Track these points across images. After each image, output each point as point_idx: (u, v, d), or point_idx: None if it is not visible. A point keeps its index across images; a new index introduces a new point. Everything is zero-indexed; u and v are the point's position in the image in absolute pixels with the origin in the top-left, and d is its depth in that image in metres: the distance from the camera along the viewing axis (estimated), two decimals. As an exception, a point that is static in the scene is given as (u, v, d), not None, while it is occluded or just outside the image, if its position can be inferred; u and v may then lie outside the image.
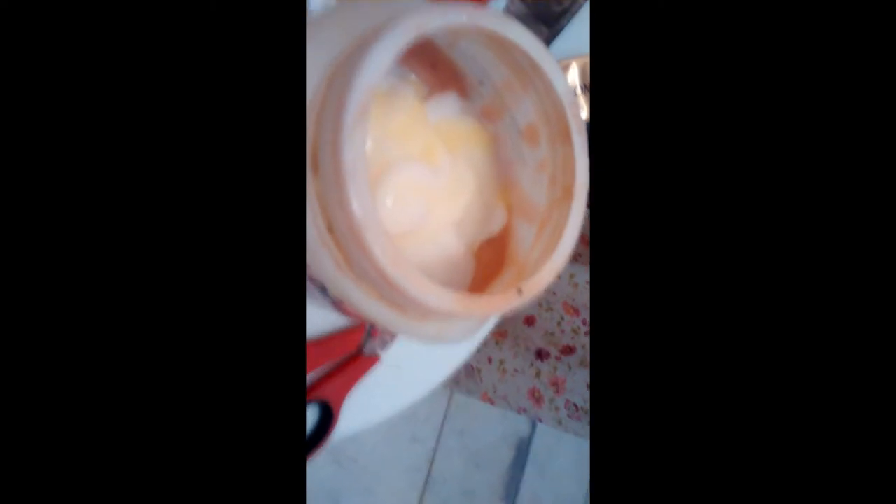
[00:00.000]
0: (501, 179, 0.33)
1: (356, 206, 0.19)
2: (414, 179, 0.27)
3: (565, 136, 0.27)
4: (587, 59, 0.50)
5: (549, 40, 0.48)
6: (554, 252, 0.26)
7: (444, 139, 0.30)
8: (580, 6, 0.47)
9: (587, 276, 0.80)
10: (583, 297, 0.80)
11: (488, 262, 0.34)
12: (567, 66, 0.49)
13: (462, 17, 0.22)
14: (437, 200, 0.29)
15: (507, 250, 0.34)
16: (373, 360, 0.40)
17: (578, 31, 0.48)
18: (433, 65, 0.31)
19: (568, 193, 0.27)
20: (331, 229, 0.22)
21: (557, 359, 0.81)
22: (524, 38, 0.24)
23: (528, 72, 0.26)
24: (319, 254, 0.23)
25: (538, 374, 0.81)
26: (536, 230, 0.29)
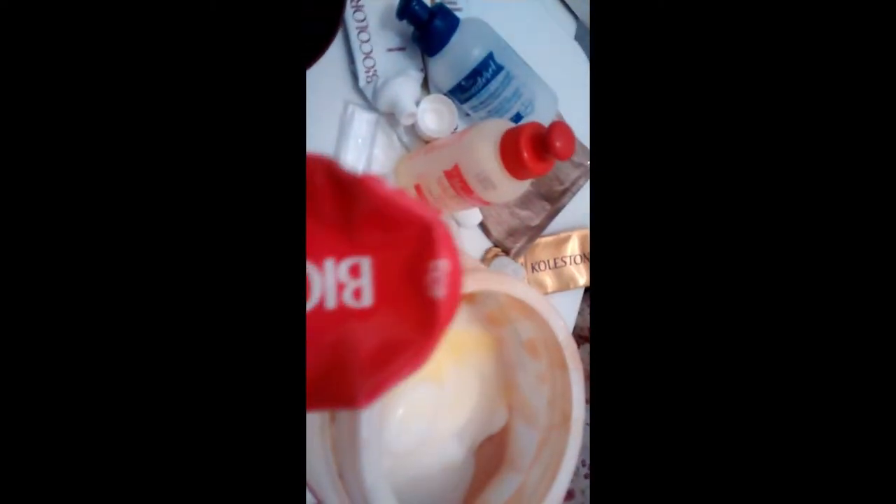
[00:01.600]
0: (503, 380, 0.35)
1: (369, 479, 0.21)
2: (421, 400, 0.29)
3: (563, 368, 0.29)
4: (587, 232, 0.54)
5: (551, 216, 0.52)
6: (553, 484, 0.27)
7: (452, 349, 0.32)
8: (580, 186, 0.52)
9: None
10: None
11: (488, 458, 0.35)
12: (568, 238, 0.53)
13: (470, 285, 0.25)
14: (442, 413, 0.31)
15: (506, 448, 0.35)
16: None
17: (578, 207, 0.52)
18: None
19: (566, 421, 0.29)
20: (341, 476, 0.24)
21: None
22: (527, 293, 0.27)
23: (529, 309, 0.29)
24: (329, 491, 0.24)
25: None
26: (536, 447, 0.31)
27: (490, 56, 0.42)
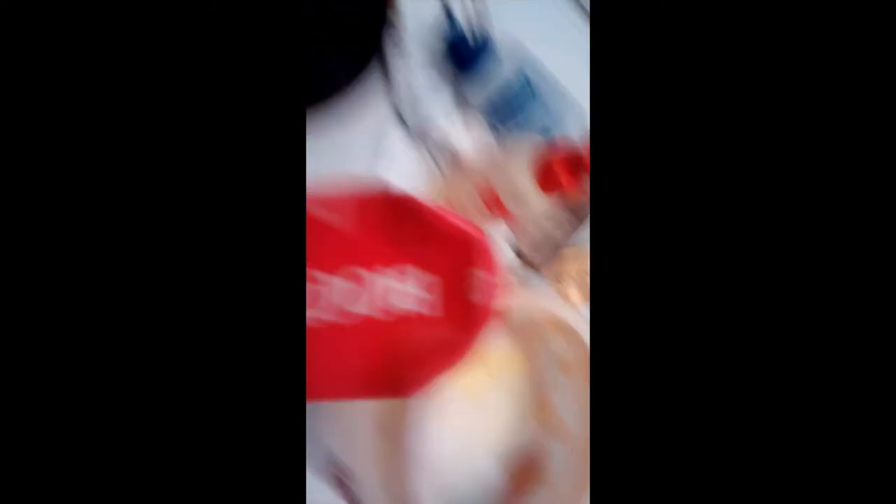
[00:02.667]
0: (537, 398, 0.35)
1: (416, 491, 0.22)
2: (459, 416, 0.30)
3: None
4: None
5: (577, 228, 0.52)
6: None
7: (487, 367, 0.33)
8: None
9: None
10: None
11: (521, 475, 0.35)
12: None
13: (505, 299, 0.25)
14: (477, 429, 0.31)
15: (538, 465, 0.35)
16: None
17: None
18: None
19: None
20: (390, 486, 0.24)
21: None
22: (563, 310, 0.27)
23: (564, 326, 0.29)
24: (374, 502, 0.25)
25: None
26: (568, 464, 0.31)
27: (520, 73, 0.43)
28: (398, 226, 0.17)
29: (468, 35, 0.42)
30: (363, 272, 0.17)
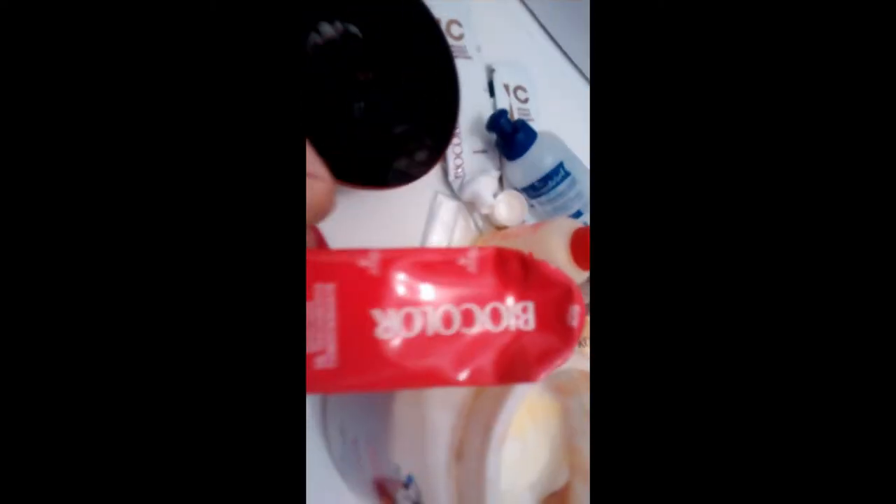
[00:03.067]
0: (568, 443, 0.41)
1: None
2: (510, 454, 0.35)
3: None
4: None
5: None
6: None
7: (531, 412, 0.38)
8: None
9: None
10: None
11: (551, 512, 0.40)
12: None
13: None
14: (521, 467, 0.37)
15: (566, 503, 0.40)
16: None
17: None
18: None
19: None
20: (460, 509, 0.30)
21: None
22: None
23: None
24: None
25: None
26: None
27: (560, 164, 0.51)
28: (526, 276, 0.25)
29: (520, 130, 0.50)
30: (500, 306, 0.25)
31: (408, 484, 0.33)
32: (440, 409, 0.33)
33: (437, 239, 0.51)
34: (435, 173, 0.53)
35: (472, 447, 0.30)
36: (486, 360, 0.25)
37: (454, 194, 0.53)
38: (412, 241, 0.51)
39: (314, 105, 0.43)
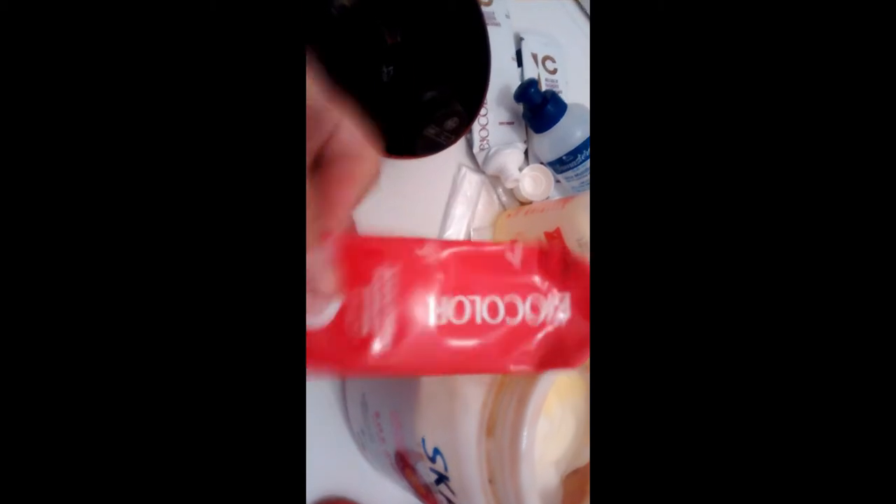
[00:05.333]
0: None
1: (524, 486, 0.27)
2: (540, 430, 0.35)
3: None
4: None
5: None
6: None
7: (558, 390, 0.38)
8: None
9: None
10: None
11: (573, 489, 0.40)
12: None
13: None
14: (548, 442, 0.36)
15: (588, 481, 0.40)
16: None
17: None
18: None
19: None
20: (492, 481, 0.29)
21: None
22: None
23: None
24: (478, 494, 0.30)
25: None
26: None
27: (587, 137, 0.49)
28: (550, 266, 0.25)
29: (549, 101, 0.48)
30: (541, 297, 0.26)
31: (433, 457, 0.33)
32: (470, 384, 0.32)
33: (460, 212, 0.50)
34: (459, 145, 0.51)
35: (504, 421, 0.29)
36: (528, 348, 0.26)
37: (478, 167, 0.52)
38: (434, 215, 0.50)
39: (340, 68, 0.42)
